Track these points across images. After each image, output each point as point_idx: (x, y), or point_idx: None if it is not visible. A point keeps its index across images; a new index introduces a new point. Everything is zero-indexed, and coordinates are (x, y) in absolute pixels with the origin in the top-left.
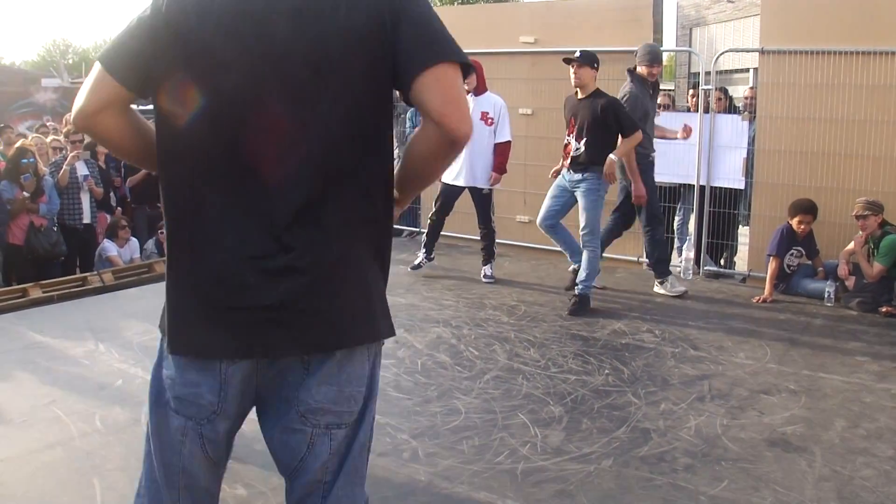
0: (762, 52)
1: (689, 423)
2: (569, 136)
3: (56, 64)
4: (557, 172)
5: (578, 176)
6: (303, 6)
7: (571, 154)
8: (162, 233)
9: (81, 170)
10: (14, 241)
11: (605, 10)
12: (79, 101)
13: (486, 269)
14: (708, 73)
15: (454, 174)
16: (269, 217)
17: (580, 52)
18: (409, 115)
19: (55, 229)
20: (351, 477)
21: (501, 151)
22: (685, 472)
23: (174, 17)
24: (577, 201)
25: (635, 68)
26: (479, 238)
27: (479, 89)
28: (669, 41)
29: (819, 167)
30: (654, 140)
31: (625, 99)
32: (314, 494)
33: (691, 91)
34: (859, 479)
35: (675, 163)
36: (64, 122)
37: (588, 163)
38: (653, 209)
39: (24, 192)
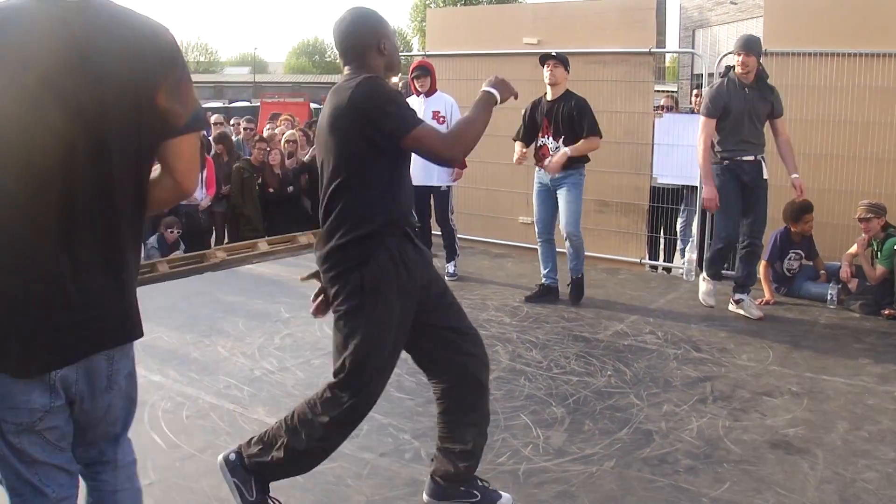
0: (765, 53)
1: (691, 425)
2: (543, 137)
3: None
4: (521, 159)
5: (561, 174)
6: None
7: (551, 153)
8: (171, 231)
9: None
10: None
11: (608, 12)
12: None
13: (450, 267)
14: (711, 75)
15: (411, 176)
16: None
17: (556, 52)
18: None
19: None
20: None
21: None
22: (687, 474)
23: None
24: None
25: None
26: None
27: (431, 90)
28: (672, 43)
29: (822, 169)
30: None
31: (709, 95)
32: (111, 432)
33: (695, 92)
34: (861, 482)
35: (677, 164)
36: None
37: (569, 161)
38: (726, 228)
39: None
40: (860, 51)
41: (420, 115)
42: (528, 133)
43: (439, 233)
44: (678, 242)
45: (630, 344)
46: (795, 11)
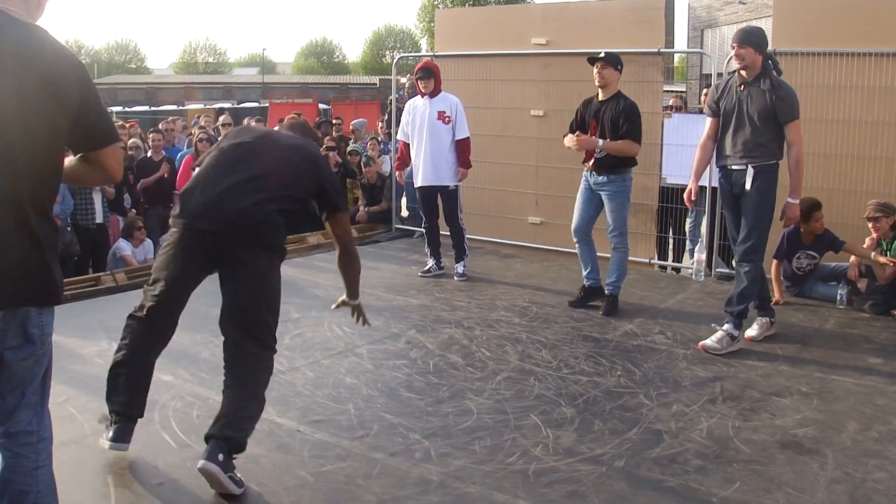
0: (774, 53)
1: (700, 425)
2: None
3: None
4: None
5: (603, 178)
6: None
7: (596, 156)
8: None
9: None
10: None
11: (617, 12)
12: None
13: (459, 268)
14: (720, 75)
15: (420, 176)
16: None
17: (605, 52)
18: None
19: (69, 229)
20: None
21: (463, 148)
22: (697, 474)
23: None
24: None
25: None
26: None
27: (435, 91)
28: (681, 43)
29: (831, 169)
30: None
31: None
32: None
33: (704, 92)
34: (871, 482)
35: (686, 164)
36: None
37: (613, 164)
38: (732, 239)
39: None
40: (869, 50)
41: (425, 115)
42: (576, 130)
43: (448, 232)
44: (687, 242)
45: (639, 344)
46: (804, 11)
